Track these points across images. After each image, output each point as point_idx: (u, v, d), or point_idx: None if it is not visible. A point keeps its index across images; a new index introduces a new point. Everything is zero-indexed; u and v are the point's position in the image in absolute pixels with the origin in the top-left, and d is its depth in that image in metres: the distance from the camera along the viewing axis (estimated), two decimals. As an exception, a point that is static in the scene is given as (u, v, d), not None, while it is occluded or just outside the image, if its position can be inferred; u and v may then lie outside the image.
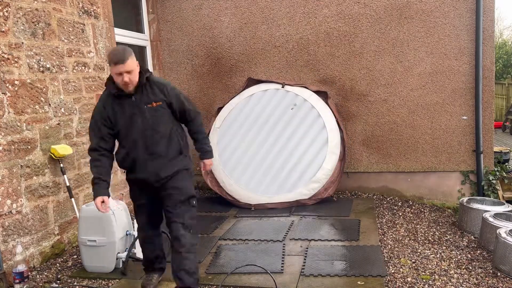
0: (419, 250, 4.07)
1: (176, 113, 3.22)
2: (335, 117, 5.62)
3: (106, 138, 3.16)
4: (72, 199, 4.26)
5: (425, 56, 5.58)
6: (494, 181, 5.45)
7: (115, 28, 5.27)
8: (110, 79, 3.11)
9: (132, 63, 3.00)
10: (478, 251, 4.06)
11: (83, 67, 4.65)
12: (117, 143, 3.27)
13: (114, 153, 3.25)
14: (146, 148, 3.12)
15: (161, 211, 3.33)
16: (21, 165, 3.81)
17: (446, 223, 4.91)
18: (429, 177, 5.78)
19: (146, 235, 3.42)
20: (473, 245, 4.24)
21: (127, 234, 3.86)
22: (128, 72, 2.98)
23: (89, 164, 3.31)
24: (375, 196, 5.85)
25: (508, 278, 3.48)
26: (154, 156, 3.13)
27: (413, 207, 5.47)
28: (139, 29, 6.25)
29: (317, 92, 5.73)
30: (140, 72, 3.10)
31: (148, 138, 3.11)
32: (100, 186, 3.11)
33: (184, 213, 3.15)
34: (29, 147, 3.90)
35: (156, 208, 3.32)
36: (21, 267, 3.45)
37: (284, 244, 4.25)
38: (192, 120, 3.32)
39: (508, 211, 4.40)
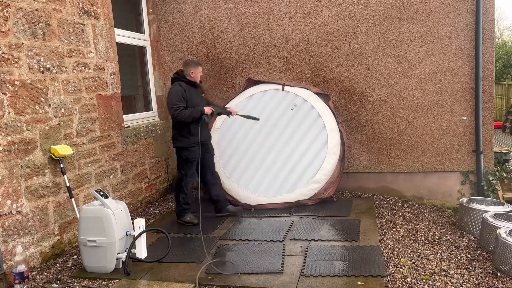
0: (419, 251, 4.07)
1: None
2: (335, 117, 5.62)
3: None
4: (72, 199, 4.26)
5: (425, 56, 5.58)
6: (494, 181, 5.45)
7: (115, 29, 5.27)
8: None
9: None
10: (478, 251, 4.07)
11: (83, 68, 4.65)
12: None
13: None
14: None
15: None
16: (21, 166, 3.81)
17: (446, 223, 4.91)
18: (429, 177, 5.78)
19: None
20: (473, 245, 4.24)
21: (127, 234, 3.86)
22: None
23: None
24: (375, 196, 5.85)
25: (508, 278, 3.49)
26: None
27: (413, 208, 5.47)
28: (139, 30, 6.26)
29: (318, 94, 5.73)
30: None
31: None
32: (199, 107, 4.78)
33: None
34: (29, 147, 3.90)
35: None
36: (21, 267, 3.45)
37: (284, 244, 4.25)
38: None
39: (508, 211, 4.40)
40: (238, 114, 5.17)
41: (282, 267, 3.72)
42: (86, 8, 4.71)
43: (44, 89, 4.10)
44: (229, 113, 5.11)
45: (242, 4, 6.04)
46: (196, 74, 4.89)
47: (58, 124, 4.28)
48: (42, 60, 4.07)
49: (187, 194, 4.93)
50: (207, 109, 4.79)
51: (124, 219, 3.87)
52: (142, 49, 6.28)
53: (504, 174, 5.67)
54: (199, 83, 5.00)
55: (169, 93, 4.79)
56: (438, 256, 3.95)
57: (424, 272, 3.60)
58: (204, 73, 6.31)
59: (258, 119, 5.29)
